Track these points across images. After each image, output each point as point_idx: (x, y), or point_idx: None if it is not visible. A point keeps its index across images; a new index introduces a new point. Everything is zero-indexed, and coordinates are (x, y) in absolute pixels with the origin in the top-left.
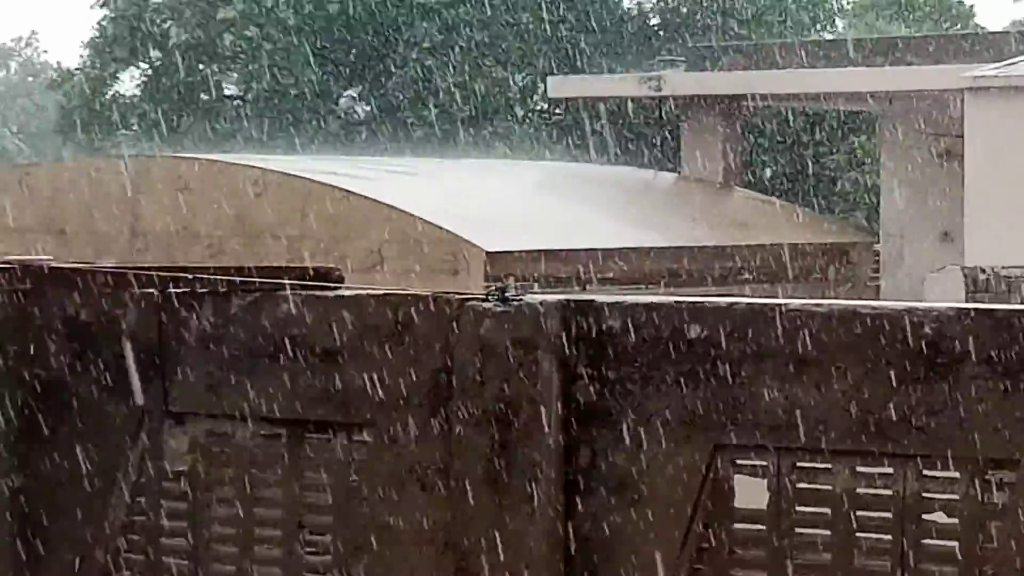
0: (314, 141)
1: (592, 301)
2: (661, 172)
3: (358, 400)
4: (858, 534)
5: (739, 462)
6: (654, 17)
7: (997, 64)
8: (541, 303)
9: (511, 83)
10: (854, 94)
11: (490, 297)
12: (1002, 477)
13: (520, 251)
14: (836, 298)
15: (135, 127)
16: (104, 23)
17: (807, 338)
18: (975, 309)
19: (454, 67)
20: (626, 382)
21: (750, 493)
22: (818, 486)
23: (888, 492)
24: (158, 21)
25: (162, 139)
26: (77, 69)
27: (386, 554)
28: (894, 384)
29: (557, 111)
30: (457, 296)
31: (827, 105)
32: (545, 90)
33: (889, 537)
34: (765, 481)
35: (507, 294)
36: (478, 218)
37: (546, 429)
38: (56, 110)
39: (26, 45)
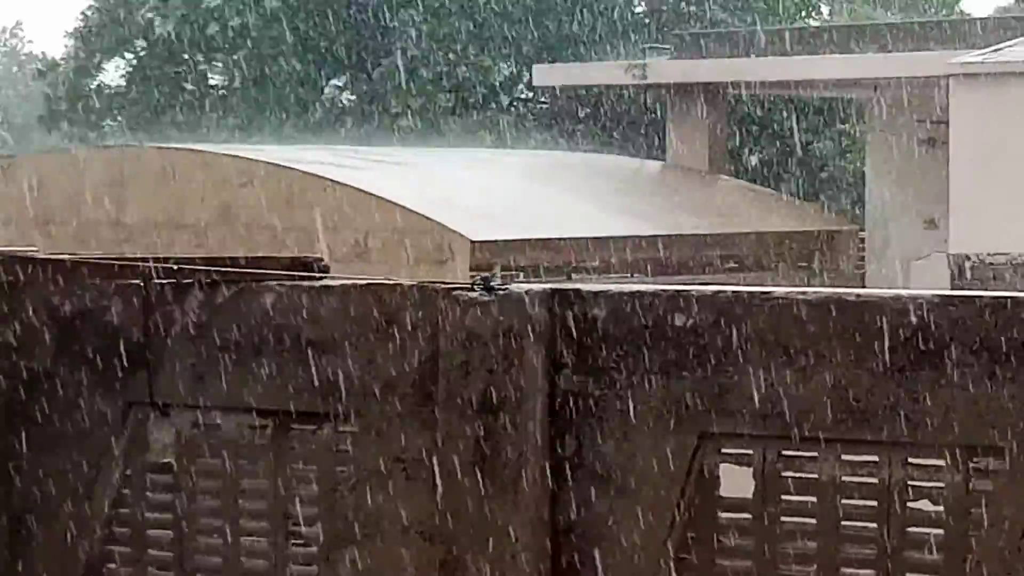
0: (299, 130)
1: (578, 290)
2: (647, 160)
3: (343, 390)
4: (843, 522)
5: (724, 450)
6: (639, 5)
7: (982, 51)
8: (527, 292)
9: (496, 71)
10: (839, 81)
11: (475, 286)
12: (987, 464)
13: (506, 240)
14: (822, 286)
15: (120, 117)
16: (89, 13)
17: (792, 326)
18: (960, 296)
19: (439, 56)
20: (612, 371)
21: (736, 482)
22: (803, 474)
23: (873, 480)
24: (143, 11)
25: (147, 129)
26: (62, 59)
27: (372, 544)
28: (879, 372)
29: (543, 99)
30: (443, 286)
31: (812, 92)
32: (531, 78)
33: (875, 525)
34: (751, 469)
35: (492, 283)
36: (463, 207)
37: (532, 418)
38: (41, 100)
39: (11, 35)
